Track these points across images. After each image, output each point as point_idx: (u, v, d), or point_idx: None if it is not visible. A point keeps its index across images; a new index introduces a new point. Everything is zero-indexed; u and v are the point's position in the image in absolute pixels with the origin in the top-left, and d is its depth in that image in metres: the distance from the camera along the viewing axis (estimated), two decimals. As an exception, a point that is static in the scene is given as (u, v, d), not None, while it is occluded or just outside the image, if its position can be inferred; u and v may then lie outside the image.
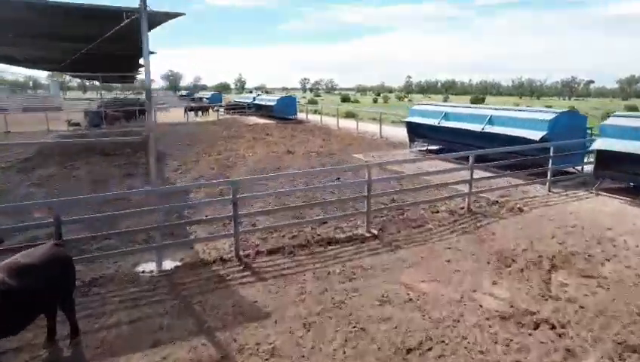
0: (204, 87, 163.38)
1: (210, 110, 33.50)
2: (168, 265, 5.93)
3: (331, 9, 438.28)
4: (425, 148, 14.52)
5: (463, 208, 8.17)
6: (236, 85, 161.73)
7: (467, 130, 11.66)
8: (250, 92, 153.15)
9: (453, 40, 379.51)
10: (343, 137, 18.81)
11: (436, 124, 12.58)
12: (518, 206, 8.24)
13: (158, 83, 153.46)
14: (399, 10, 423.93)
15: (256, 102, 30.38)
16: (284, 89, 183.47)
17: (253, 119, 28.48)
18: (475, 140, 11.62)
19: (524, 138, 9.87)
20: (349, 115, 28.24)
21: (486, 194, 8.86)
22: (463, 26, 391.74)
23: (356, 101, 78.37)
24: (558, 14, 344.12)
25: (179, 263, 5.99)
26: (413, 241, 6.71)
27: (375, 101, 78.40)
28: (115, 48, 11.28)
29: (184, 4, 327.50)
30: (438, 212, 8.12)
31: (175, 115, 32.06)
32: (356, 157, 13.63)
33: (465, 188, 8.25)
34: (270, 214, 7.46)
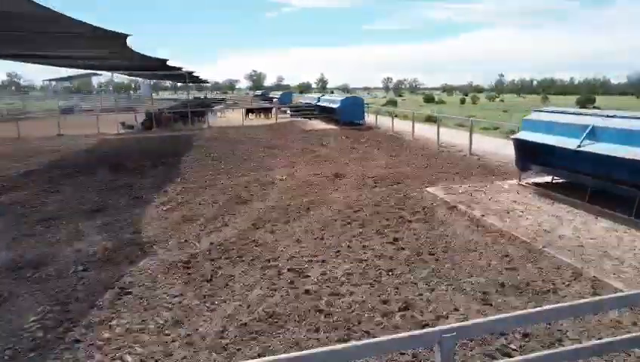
0: (287, 87, 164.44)
1: (274, 111, 30.06)
2: None
3: (417, 7, 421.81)
4: (547, 181, 9.17)
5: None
6: (318, 85, 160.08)
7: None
8: (332, 92, 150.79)
9: (551, 34, 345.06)
10: (417, 152, 13.85)
11: (575, 147, 7.27)
12: None
13: (242, 83, 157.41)
14: (492, 5, 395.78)
15: (319, 103, 26.16)
16: (366, 89, 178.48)
17: (315, 124, 24.32)
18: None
19: None
20: (431, 120, 22.91)
21: None
22: (563, 18, 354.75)
23: (441, 101, 71.12)
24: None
25: None
26: None
27: (463, 102, 70.51)
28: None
29: (275, 6, 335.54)
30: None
31: (236, 116, 29.05)
32: (430, 194, 8.75)
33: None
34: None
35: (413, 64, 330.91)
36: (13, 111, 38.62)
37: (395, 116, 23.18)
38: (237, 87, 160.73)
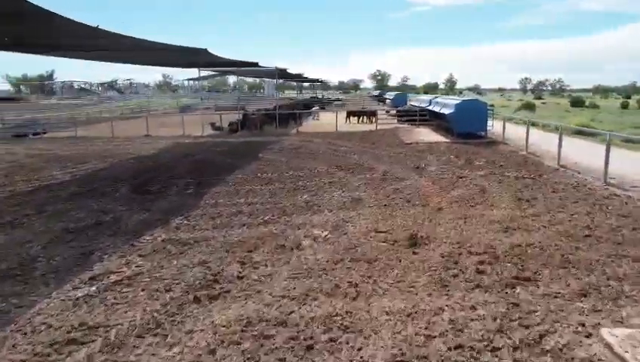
0: (412, 87, 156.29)
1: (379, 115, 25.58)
2: None
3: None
4: None
5: None
6: (446, 86, 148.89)
7: None
8: (461, 93, 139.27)
9: None
10: (568, 196, 8.23)
11: None
12: None
13: (366, 83, 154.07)
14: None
15: (430, 107, 20.81)
16: (500, 90, 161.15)
17: (421, 133, 19.25)
18: None
19: None
20: (585, 134, 16.11)
21: None
22: None
23: (594, 105, 57.96)
24: None
25: None
26: None
27: (625, 106, 56.41)
28: None
29: (406, 6, 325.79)
30: None
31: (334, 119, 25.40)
32: (609, 345, 3.68)
33: None
34: None
35: (555, 63, 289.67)
36: (136, 108, 40.69)
37: (533, 125, 16.94)
38: (361, 87, 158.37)
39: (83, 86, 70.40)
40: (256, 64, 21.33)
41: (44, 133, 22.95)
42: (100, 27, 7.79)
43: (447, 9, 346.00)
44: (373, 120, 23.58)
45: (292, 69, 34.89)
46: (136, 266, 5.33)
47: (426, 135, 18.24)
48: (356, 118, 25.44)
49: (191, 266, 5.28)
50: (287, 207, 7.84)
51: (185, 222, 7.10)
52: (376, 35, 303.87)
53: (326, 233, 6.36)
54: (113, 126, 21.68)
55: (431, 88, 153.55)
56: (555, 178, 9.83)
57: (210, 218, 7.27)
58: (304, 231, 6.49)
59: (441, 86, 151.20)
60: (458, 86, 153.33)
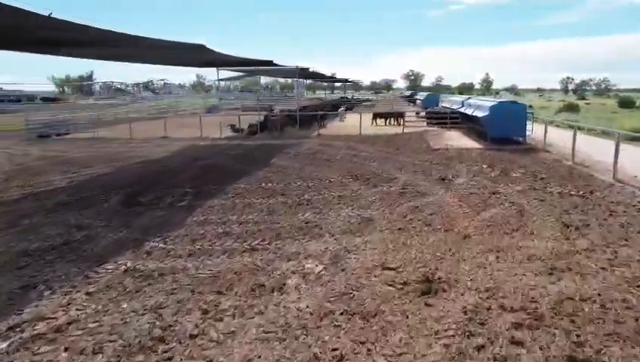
0: (446, 88, 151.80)
1: (408, 116, 24.00)
2: None
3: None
4: None
5: None
6: (481, 86, 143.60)
7: None
8: (497, 93, 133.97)
9: None
10: (631, 233, 6.35)
11: None
12: None
13: (398, 83, 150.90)
14: None
15: (462, 109, 19.06)
16: (539, 90, 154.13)
17: (452, 137, 17.61)
18: None
19: None
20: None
21: None
22: None
23: (644, 107, 53.52)
24: None
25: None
26: None
27: (679, 108, 51.75)
28: None
29: (442, 5, 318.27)
30: None
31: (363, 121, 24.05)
32: None
33: None
34: None
35: (600, 61, 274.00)
36: (165, 109, 40.61)
37: (579, 129, 14.97)
38: (394, 87, 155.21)
39: (119, 86, 72.02)
40: (270, 62, 20.27)
41: (67, 133, 22.86)
42: (52, 15, 6.84)
43: (483, 7, 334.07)
44: (401, 122, 22.05)
45: (324, 70, 33.72)
46: (76, 309, 4.27)
47: (457, 139, 16.60)
48: (383, 119, 23.97)
49: (141, 313, 4.17)
50: (283, 228, 6.64)
51: (160, 245, 6.03)
52: (410, 35, 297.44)
53: (320, 268, 5.12)
54: (134, 127, 21.24)
55: (466, 88, 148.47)
56: (611, 196, 8.15)
57: (190, 240, 6.17)
58: (294, 263, 5.27)
59: (477, 86, 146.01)
60: (494, 86, 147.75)
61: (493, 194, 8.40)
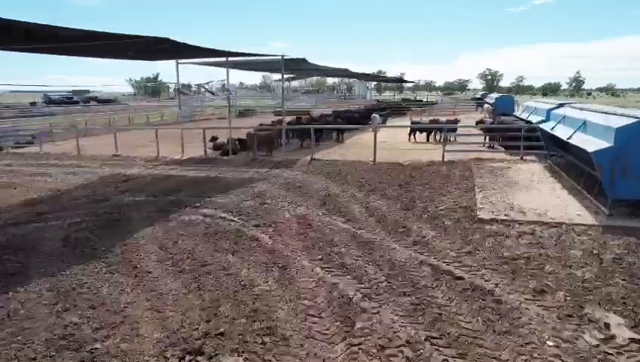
0: (529, 88, 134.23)
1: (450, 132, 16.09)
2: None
3: None
4: None
5: None
6: (570, 86, 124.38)
7: None
8: (589, 94, 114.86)
9: None
10: None
11: None
12: None
13: (474, 83, 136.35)
14: None
15: (549, 125, 10.41)
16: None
17: (523, 182, 9.67)
18: None
19: None
20: None
21: None
22: None
23: None
24: None
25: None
26: None
27: None
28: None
29: (523, 1, 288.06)
30: None
31: (399, 136, 16.71)
32: None
33: None
34: None
35: None
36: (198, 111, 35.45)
37: None
38: (469, 87, 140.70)
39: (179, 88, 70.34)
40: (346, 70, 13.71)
41: (31, 143, 18.36)
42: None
43: (570, 1, 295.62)
44: (449, 138, 14.34)
45: (408, 71, 26.52)
46: None
47: (536, 188, 8.70)
48: (423, 134, 16.39)
49: None
50: None
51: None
52: (489, 32, 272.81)
53: None
54: (117, 137, 15.78)
55: (551, 89, 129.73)
56: None
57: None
58: None
59: (564, 86, 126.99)
60: (585, 86, 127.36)
61: None
